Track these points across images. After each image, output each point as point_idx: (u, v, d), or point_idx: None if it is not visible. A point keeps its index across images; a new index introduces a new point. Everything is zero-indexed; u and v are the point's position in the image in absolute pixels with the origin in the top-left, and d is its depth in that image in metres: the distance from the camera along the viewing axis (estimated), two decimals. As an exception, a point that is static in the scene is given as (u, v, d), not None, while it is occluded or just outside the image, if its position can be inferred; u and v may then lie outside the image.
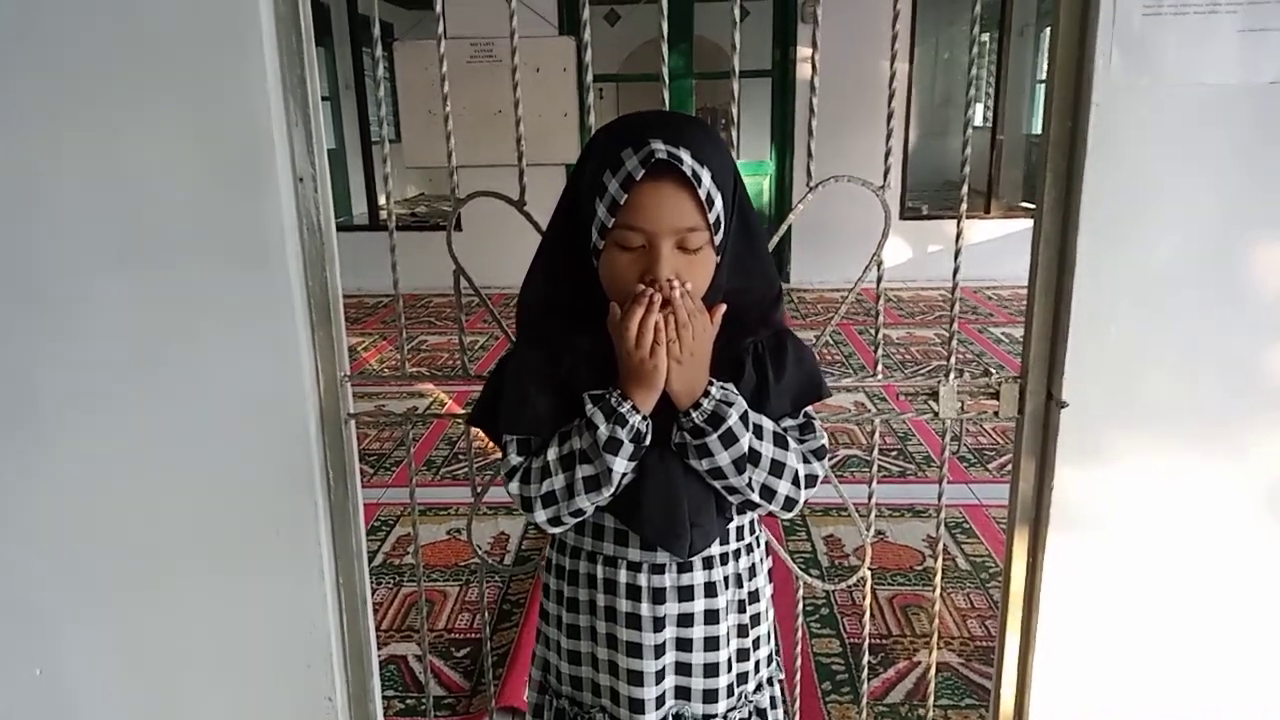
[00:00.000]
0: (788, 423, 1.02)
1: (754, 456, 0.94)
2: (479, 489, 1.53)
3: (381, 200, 7.00)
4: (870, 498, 1.49)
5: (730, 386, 0.95)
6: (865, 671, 1.63)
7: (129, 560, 1.44)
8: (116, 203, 1.29)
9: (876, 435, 1.48)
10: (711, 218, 0.90)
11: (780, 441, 0.97)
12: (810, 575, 1.62)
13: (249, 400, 1.36)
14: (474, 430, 1.18)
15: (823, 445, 1.03)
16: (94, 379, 1.36)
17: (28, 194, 1.29)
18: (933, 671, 1.63)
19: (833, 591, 2.42)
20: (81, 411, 1.37)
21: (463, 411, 1.67)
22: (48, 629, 1.48)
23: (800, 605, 1.53)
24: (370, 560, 1.87)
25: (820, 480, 1.01)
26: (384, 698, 1.65)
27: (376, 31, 1.43)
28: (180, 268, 1.31)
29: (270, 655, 1.47)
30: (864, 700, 1.68)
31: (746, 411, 0.94)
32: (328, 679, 1.48)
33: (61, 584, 1.46)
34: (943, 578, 2.30)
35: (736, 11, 1.30)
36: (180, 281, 1.32)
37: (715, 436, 0.92)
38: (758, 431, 0.95)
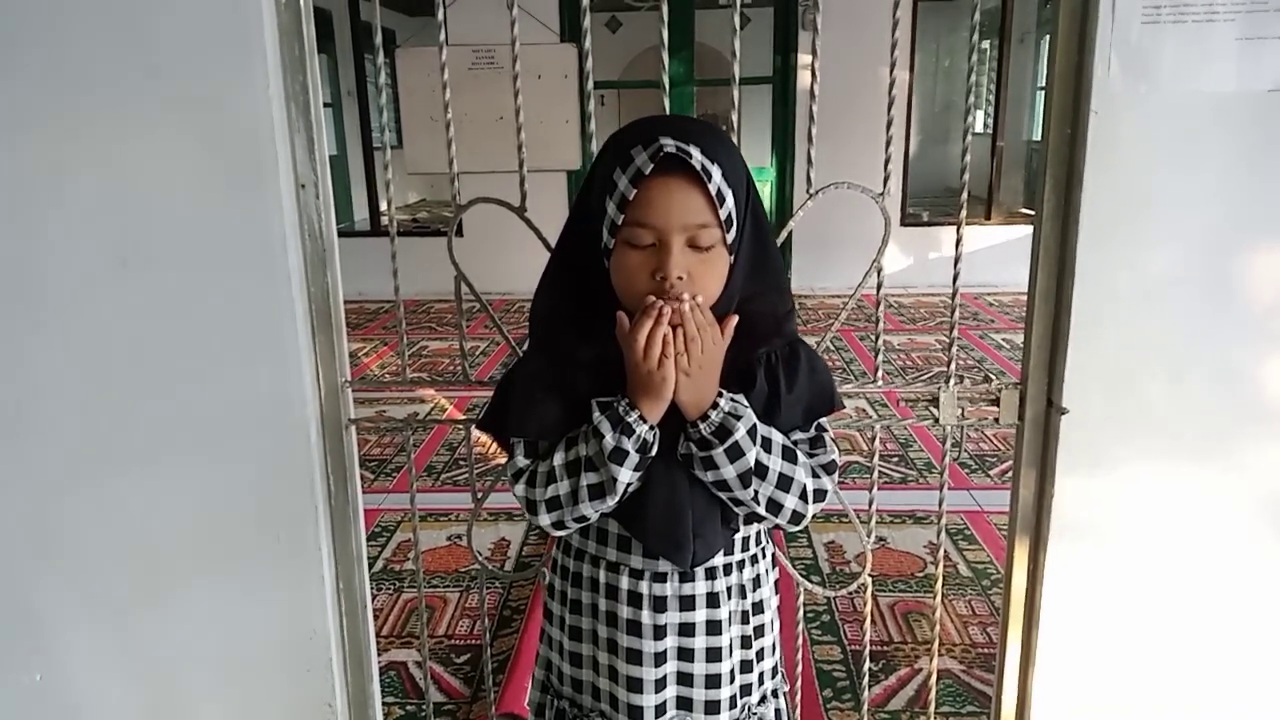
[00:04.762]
0: (798, 435, 1.01)
1: (761, 470, 0.93)
2: (480, 495, 1.53)
3: (383, 206, 7.02)
4: (871, 504, 1.49)
5: (740, 399, 0.94)
6: (866, 678, 1.62)
7: (129, 565, 1.44)
8: (119, 208, 1.29)
9: (877, 441, 1.48)
10: (723, 214, 0.89)
11: (789, 455, 0.96)
12: (811, 581, 1.62)
13: (250, 405, 1.36)
14: (475, 435, 1.18)
15: (833, 460, 1.02)
16: (95, 383, 1.36)
17: (31, 199, 1.30)
18: (934, 679, 1.62)
19: (834, 598, 2.41)
20: (82, 416, 1.37)
21: (464, 417, 1.67)
22: (47, 635, 1.48)
23: (801, 612, 1.53)
24: (371, 566, 1.87)
25: (829, 495, 1.00)
26: (384, 704, 1.65)
27: (378, 39, 1.44)
28: (182, 273, 1.31)
29: (270, 661, 1.47)
30: (865, 707, 1.68)
31: (755, 425, 0.93)
32: (327, 685, 1.48)
33: (61, 589, 1.46)
34: (944, 584, 2.30)
35: (737, 19, 1.31)
36: (182, 286, 1.32)
37: (721, 449, 0.92)
38: (766, 445, 0.94)
